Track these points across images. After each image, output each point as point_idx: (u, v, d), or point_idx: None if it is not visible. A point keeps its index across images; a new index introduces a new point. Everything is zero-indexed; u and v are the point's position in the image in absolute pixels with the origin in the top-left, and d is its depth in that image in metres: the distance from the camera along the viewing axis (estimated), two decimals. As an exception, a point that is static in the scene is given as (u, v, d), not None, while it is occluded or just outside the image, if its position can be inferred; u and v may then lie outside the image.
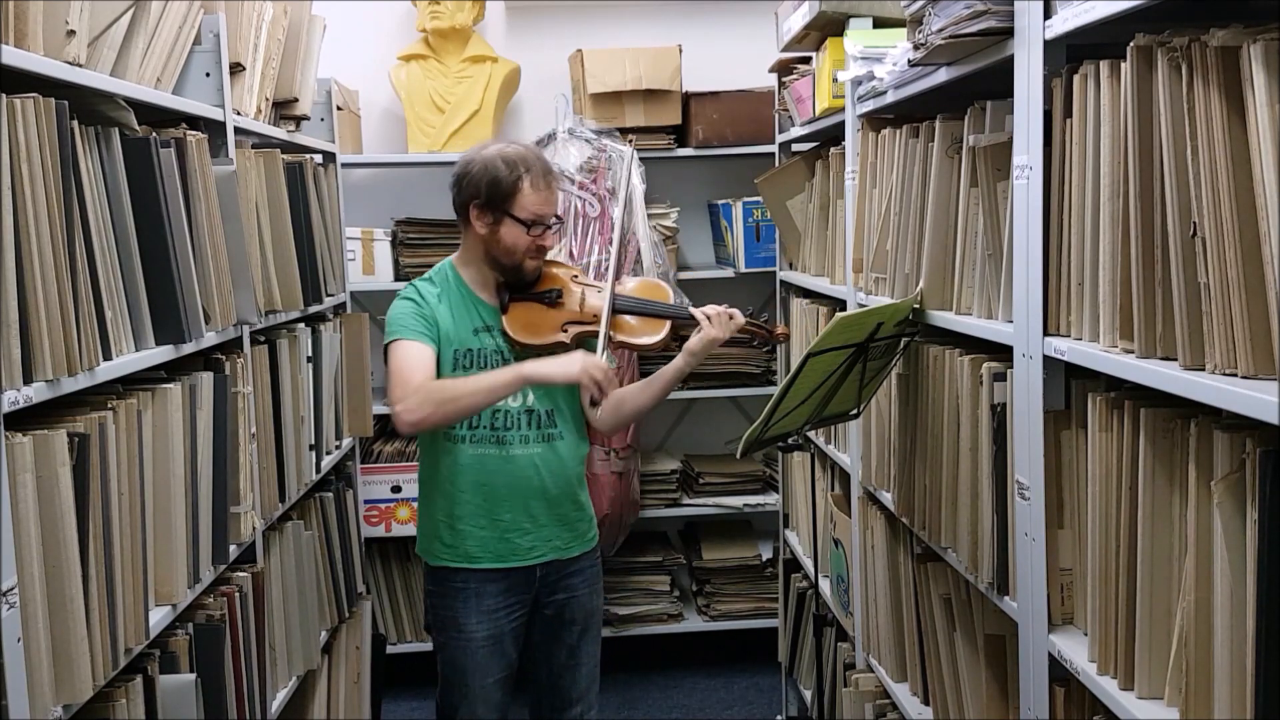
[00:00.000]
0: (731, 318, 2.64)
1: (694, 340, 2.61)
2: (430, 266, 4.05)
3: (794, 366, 2.17)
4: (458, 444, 2.57)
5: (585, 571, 2.72)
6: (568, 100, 4.18)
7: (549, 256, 2.68)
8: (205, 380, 2.32)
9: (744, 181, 4.04)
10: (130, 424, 1.96)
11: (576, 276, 2.69)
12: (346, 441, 3.70)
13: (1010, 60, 1.80)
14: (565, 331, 2.57)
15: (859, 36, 2.66)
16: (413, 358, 2.46)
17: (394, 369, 2.46)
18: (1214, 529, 1.33)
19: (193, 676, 2.18)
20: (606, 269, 3.82)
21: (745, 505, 4.30)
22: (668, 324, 2.66)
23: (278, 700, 2.83)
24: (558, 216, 2.61)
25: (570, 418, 2.65)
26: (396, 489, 4.03)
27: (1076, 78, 1.60)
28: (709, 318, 2.62)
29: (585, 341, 2.63)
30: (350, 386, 3.64)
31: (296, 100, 3.19)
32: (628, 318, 2.65)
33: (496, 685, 2.62)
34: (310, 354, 3.18)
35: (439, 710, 2.71)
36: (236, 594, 2.48)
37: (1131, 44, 1.46)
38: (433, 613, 2.68)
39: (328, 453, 3.41)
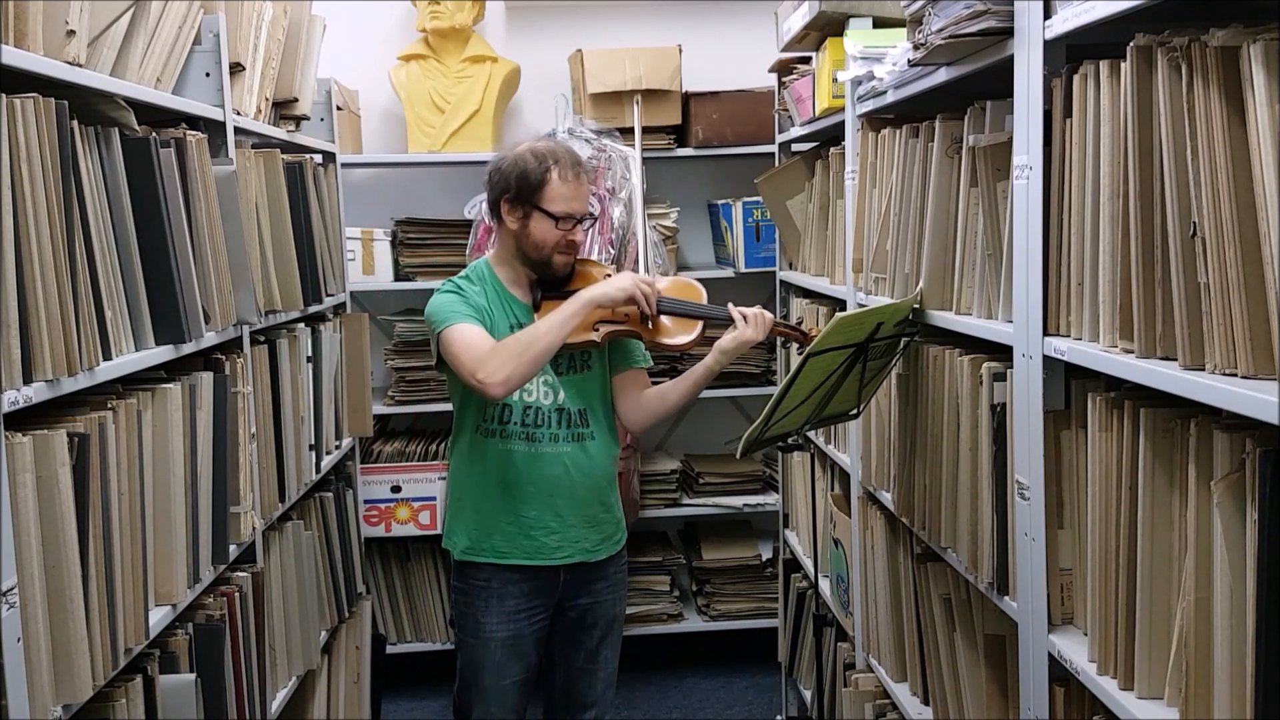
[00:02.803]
0: (764, 318, 2.61)
1: (727, 339, 2.59)
2: (430, 266, 4.14)
3: (794, 366, 2.17)
4: (487, 439, 2.57)
5: (611, 577, 2.71)
6: (568, 100, 4.18)
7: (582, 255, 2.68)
8: (205, 380, 2.32)
9: (744, 181, 4.04)
10: (130, 424, 1.96)
11: (609, 274, 2.67)
12: (346, 441, 3.70)
13: (1010, 60, 1.80)
14: (597, 331, 2.56)
15: (859, 36, 2.66)
16: (472, 333, 2.45)
17: (458, 350, 2.43)
18: (1214, 529, 1.33)
19: (193, 676, 2.18)
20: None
21: (745, 505, 4.30)
22: (700, 324, 2.66)
23: (278, 700, 2.84)
24: (590, 215, 2.62)
25: (603, 417, 2.65)
26: (396, 489, 4.03)
27: (1076, 78, 1.60)
28: (745, 318, 2.60)
29: (617, 341, 2.65)
30: (350, 386, 3.64)
31: (296, 100, 3.19)
32: (661, 318, 2.63)
33: (513, 687, 2.61)
34: (310, 354, 3.18)
35: (455, 707, 2.72)
36: (236, 594, 2.48)
37: (1131, 44, 1.46)
38: (455, 609, 2.69)
39: (328, 453, 3.41)
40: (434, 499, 4.02)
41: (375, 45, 4.38)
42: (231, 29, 2.64)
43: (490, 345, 2.42)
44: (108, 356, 1.92)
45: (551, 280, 2.61)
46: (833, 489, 3.27)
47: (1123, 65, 1.48)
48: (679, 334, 2.65)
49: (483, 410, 2.58)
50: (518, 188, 2.53)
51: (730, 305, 2.64)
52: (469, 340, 2.43)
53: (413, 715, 4.16)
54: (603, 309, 2.51)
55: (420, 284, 4.10)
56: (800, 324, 2.77)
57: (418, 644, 4.26)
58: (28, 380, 1.66)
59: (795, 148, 3.79)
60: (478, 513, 2.60)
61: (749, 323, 2.59)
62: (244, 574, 2.58)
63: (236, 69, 2.72)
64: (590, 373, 2.63)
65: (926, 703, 2.45)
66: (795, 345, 2.79)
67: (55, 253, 1.71)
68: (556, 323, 2.41)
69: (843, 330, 2.16)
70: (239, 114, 2.70)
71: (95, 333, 1.86)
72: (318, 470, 3.27)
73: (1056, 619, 1.79)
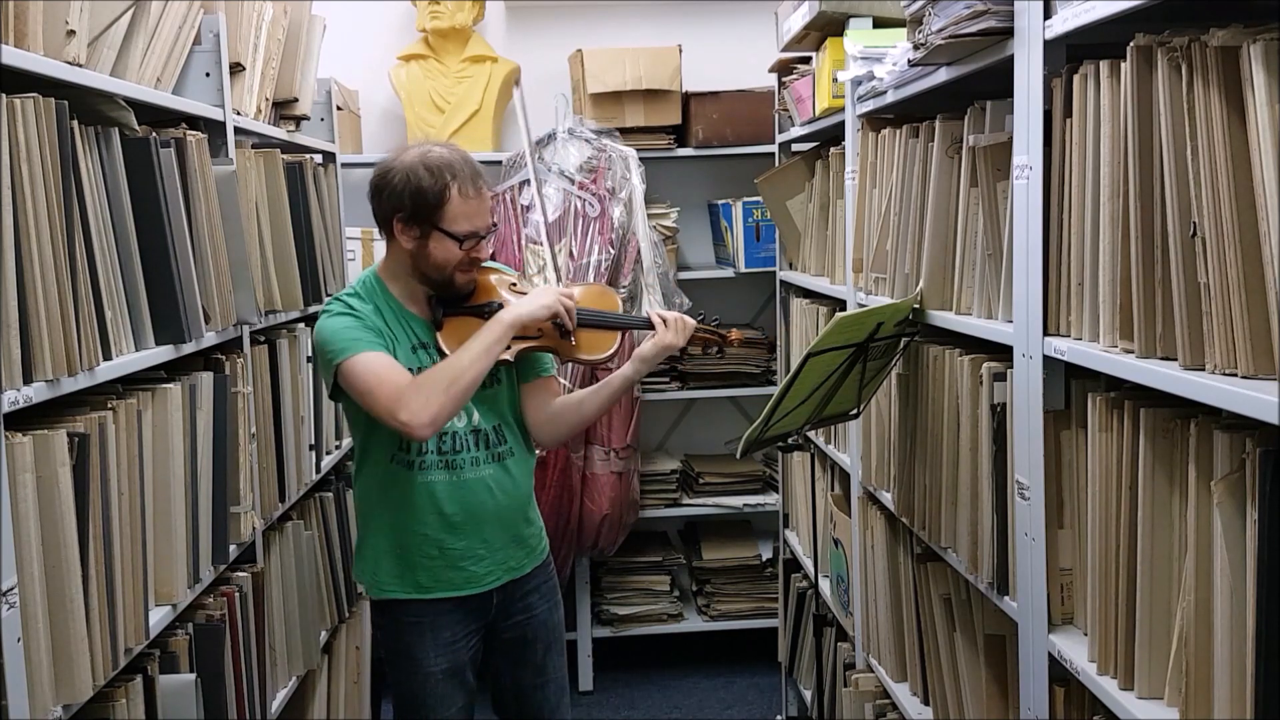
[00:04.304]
0: (684, 324, 2.48)
1: (647, 346, 2.46)
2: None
3: (794, 366, 2.17)
4: (403, 470, 2.37)
5: (541, 588, 2.56)
6: (568, 100, 4.18)
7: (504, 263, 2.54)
8: (205, 380, 2.32)
9: (744, 181, 4.05)
10: (130, 424, 1.96)
11: (514, 285, 2.50)
12: (346, 441, 3.70)
13: (1010, 60, 1.80)
14: (509, 349, 2.35)
15: (859, 36, 2.66)
16: (380, 364, 2.23)
17: (369, 384, 2.21)
18: (1214, 529, 1.33)
19: (193, 676, 2.18)
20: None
21: (745, 505, 4.30)
22: (618, 335, 2.52)
23: (278, 700, 2.83)
24: (493, 225, 2.41)
25: (518, 430, 2.48)
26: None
27: (1076, 78, 1.60)
28: (665, 322, 2.47)
29: (530, 358, 2.48)
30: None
31: (296, 100, 3.19)
32: (577, 331, 2.44)
33: (458, 714, 2.47)
34: (310, 354, 3.18)
35: None
36: (236, 594, 2.48)
37: (1131, 44, 1.46)
38: (384, 647, 2.50)
39: (328, 453, 3.42)
40: (434, 499, 4.01)
41: (375, 45, 4.38)
42: (231, 29, 2.64)
43: (405, 379, 2.22)
44: (108, 356, 1.92)
45: (452, 296, 2.40)
46: (833, 489, 3.27)
47: (1123, 65, 1.48)
48: (598, 349, 2.49)
49: (396, 441, 2.35)
50: (413, 206, 2.27)
51: (648, 310, 2.53)
52: (380, 374, 2.21)
53: (413, 715, 4.16)
54: (526, 328, 2.35)
55: (420, 284, 4.09)
56: (719, 326, 2.64)
57: (418, 644, 4.26)
58: (28, 380, 1.66)
59: (795, 148, 3.79)
60: (398, 548, 2.41)
61: (669, 327, 2.46)
62: (244, 574, 2.58)
63: (236, 69, 2.72)
64: (499, 386, 2.45)
65: (926, 703, 2.45)
66: (715, 350, 2.63)
67: (55, 253, 1.71)
68: (479, 351, 2.24)
69: (842, 330, 2.16)
70: (239, 114, 2.70)
71: (95, 333, 1.86)
72: (318, 470, 3.27)
73: (1056, 619, 1.79)
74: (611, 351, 2.51)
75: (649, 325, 2.51)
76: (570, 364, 2.64)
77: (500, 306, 2.38)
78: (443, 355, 2.34)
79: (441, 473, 2.38)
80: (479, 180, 2.33)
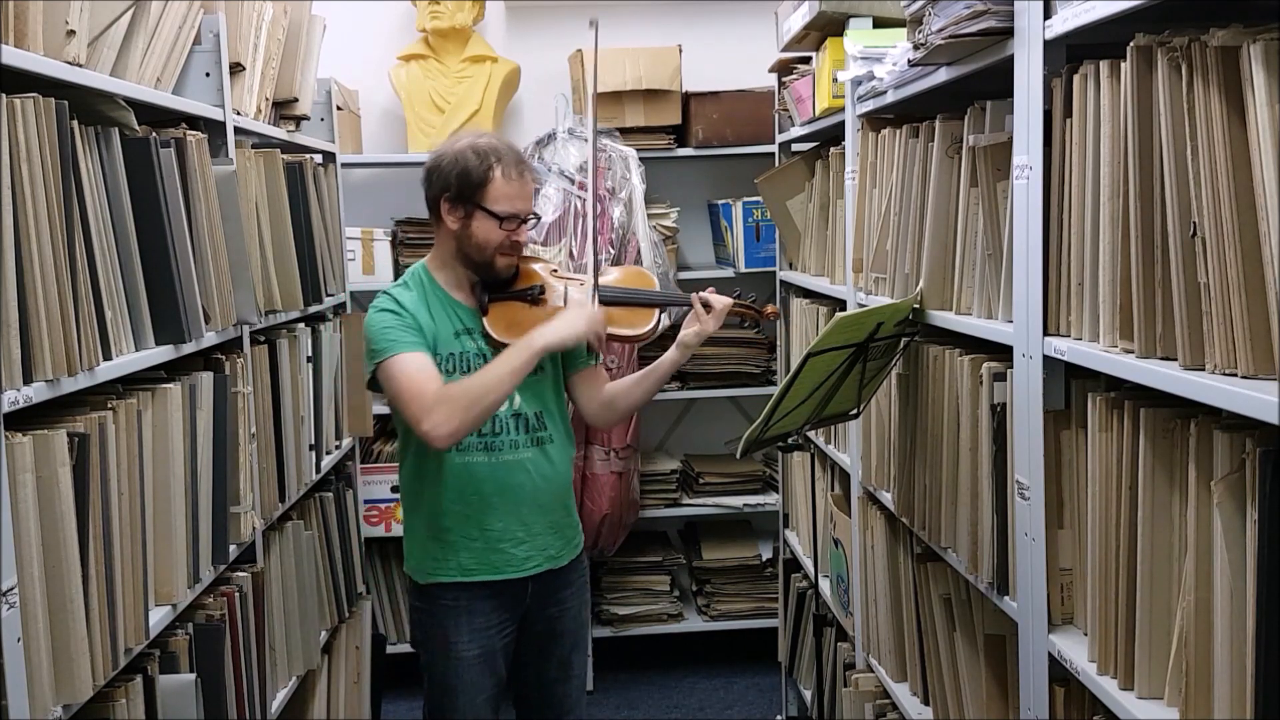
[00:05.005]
0: (721, 303, 2.58)
1: (686, 331, 2.57)
2: (429, 266, 4.13)
3: (794, 366, 2.17)
4: (444, 454, 2.44)
5: (575, 583, 2.65)
6: (568, 100, 4.18)
7: (526, 251, 2.58)
8: (205, 380, 2.32)
9: (744, 181, 4.04)
10: (130, 424, 1.96)
11: (555, 270, 2.61)
12: (346, 441, 3.70)
13: (1010, 60, 1.80)
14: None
15: (859, 36, 2.66)
16: (416, 370, 2.33)
17: (401, 387, 2.32)
18: (1214, 529, 1.33)
19: (193, 676, 2.18)
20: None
21: (745, 505, 4.30)
22: (656, 311, 2.61)
23: (278, 700, 2.84)
24: (535, 214, 2.53)
25: (559, 418, 2.57)
26: (396, 489, 4.02)
27: (1076, 78, 1.60)
28: (706, 305, 2.57)
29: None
30: (350, 386, 3.64)
31: (296, 100, 3.19)
32: (615, 309, 2.56)
33: (486, 703, 2.54)
34: (310, 354, 3.18)
35: None
36: (236, 594, 2.48)
37: (1131, 44, 1.46)
38: (419, 630, 2.59)
39: (328, 453, 3.42)
40: (434, 499, 4.01)
41: (375, 45, 4.38)
42: (231, 29, 2.64)
43: (437, 388, 2.31)
44: (108, 356, 1.92)
45: (495, 281, 2.51)
46: (833, 489, 3.27)
47: (1123, 65, 1.48)
48: (636, 325, 2.57)
49: None
50: (458, 186, 2.42)
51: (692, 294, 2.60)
52: (413, 378, 2.32)
53: (413, 715, 4.16)
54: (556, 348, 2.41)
55: (420, 284, 4.09)
56: (755, 302, 2.71)
57: (418, 644, 4.26)
58: (28, 380, 1.66)
59: (795, 148, 3.79)
60: (440, 531, 2.49)
61: (709, 311, 2.56)
62: (244, 574, 2.58)
63: (236, 69, 2.72)
64: (543, 374, 2.53)
65: (926, 703, 2.45)
66: (751, 324, 2.71)
67: (55, 253, 1.71)
68: (506, 373, 2.32)
69: (842, 330, 2.16)
70: (239, 114, 2.70)
71: (95, 333, 1.86)
72: (318, 470, 3.27)
73: (1056, 619, 1.79)
74: (649, 328, 2.59)
75: (686, 302, 2.61)
76: (616, 344, 2.72)
77: (543, 290, 2.53)
78: (487, 338, 2.46)
79: (481, 454, 2.47)
80: (522, 166, 2.47)
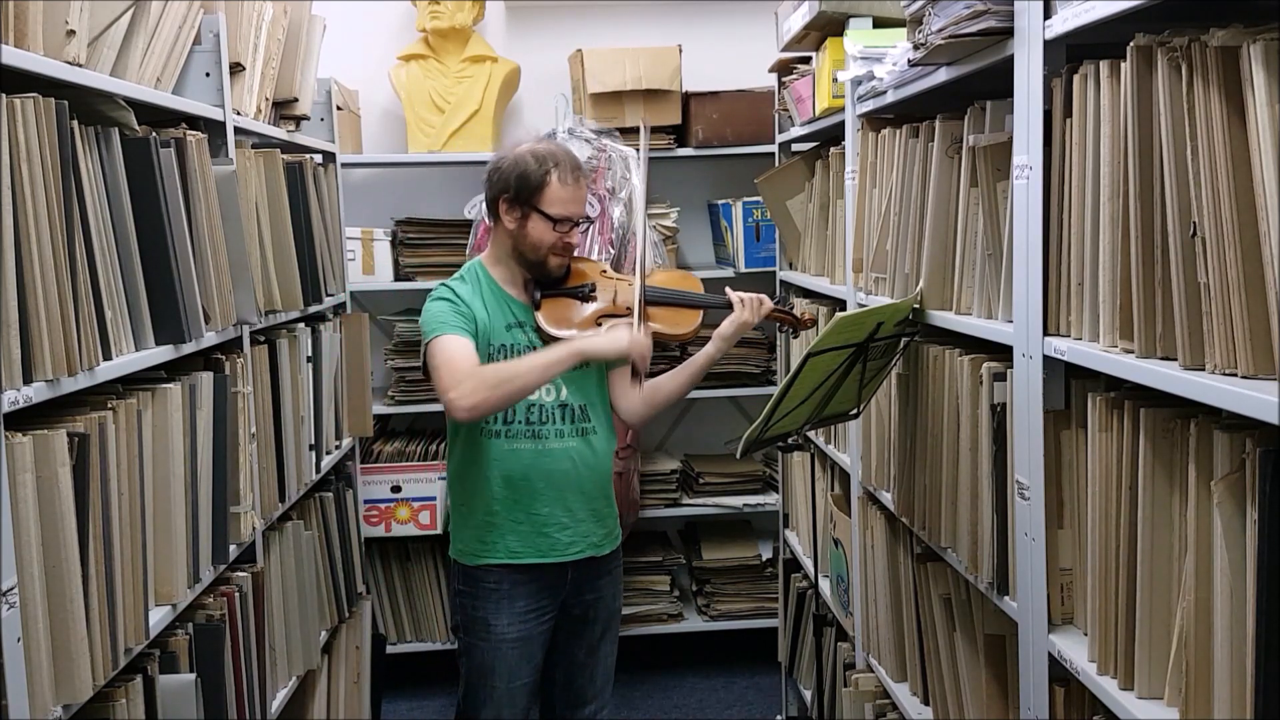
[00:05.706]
0: (761, 303, 2.69)
1: (726, 325, 2.66)
2: (430, 266, 4.14)
3: (794, 366, 2.17)
4: (491, 439, 2.58)
5: (613, 572, 2.75)
6: (568, 100, 4.18)
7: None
8: (205, 380, 2.32)
9: (744, 181, 4.04)
10: (130, 424, 1.96)
11: (605, 271, 2.73)
12: (346, 441, 3.70)
13: (1010, 60, 1.80)
14: (599, 325, 2.60)
15: (859, 36, 2.66)
16: (457, 348, 2.46)
17: (440, 362, 2.44)
18: (1214, 529, 1.33)
19: (193, 676, 2.18)
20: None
21: (745, 505, 4.30)
22: (699, 313, 2.70)
23: (278, 700, 2.84)
24: (588, 218, 2.64)
25: (603, 412, 2.68)
26: (396, 489, 4.03)
27: (1076, 78, 1.60)
28: (742, 301, 2.67)
29: None
30: (350, 386, 3.64)
31: (296, 100, 3.19)
32: (660, 308, 2.68)
33: (523, 688, 2.63)
34: (310, 354, 3.18)
35: (459, 711, 2.72)
36: (236, 594, 2.48)
37: (1131, 44, 1.46)
38: (461, 613, 2.68)
39: (328, 453, 3.41)
40: (434, 499, 4.02)
41: (375, 45, 4.38)
42: (231, 29, 2.64)
43: (471, 365, 2.43)
44: (108, 356, 1.92)
45: (548, 279, 2.63)
46: (833, 489, 3.27)
47: (1123, 65, 1.48)
48: (680, 324, 2.68)
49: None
50: (517, 188, 2.54)
51: (726, 290, 2.70)
52: (451, 355, 2.44)
53: (413, 715, 4.16)
54: (592, 356, 2.50)
55: (420, 284, 4.10)
56: (792, 308, 2.82)
57: (418, 644, 4.26)
58: (28, 380, 1.66)
59: (795, 148, 3.79)
60: (488, 515, 2.60)
61: (746, 306, 2.67)
62: (244, 574, 2.58)
63: (236, 69, 2.72)
64: (589, 369, 2.64)
65: (926, 703, 2.45)
66: (789, 331, 2.86)
67: (55, 253, 1.71)
68: (540, 365, 2.42)
69: (842, 330, 2.16)
70: (239, 114, 2.70)
71: (95, 333, 1.86)
72: (318, 470, 3.27)
73: (1056, 619, 1.79)
74: (692, 328, 2.70)
75: (728, 305, 2.69)
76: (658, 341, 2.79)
77: (593, 288, 2.66)
78: (539, 331, 2.59)
79: (528, 441, 2.58)
80: (578, 173, 2.59)
